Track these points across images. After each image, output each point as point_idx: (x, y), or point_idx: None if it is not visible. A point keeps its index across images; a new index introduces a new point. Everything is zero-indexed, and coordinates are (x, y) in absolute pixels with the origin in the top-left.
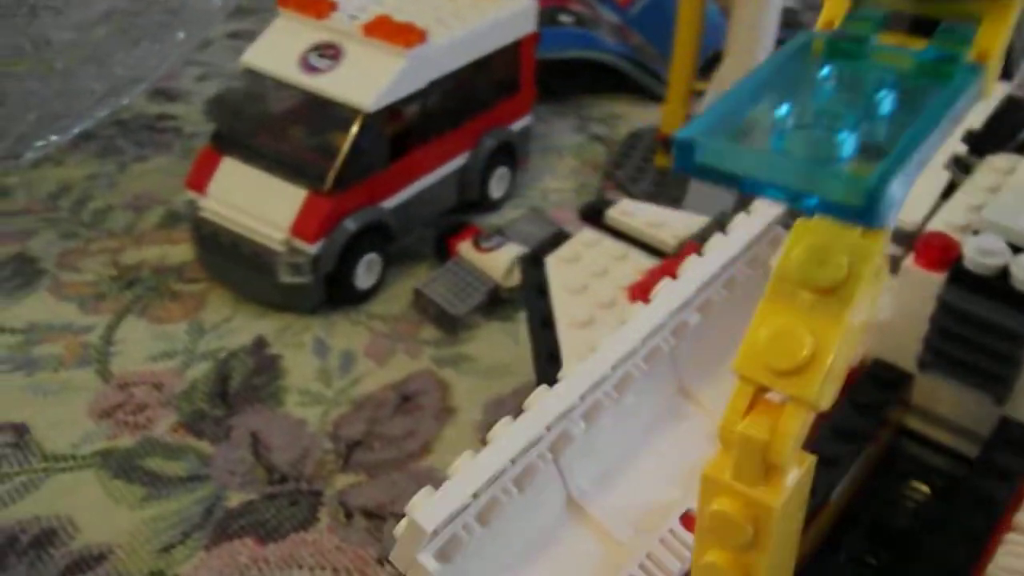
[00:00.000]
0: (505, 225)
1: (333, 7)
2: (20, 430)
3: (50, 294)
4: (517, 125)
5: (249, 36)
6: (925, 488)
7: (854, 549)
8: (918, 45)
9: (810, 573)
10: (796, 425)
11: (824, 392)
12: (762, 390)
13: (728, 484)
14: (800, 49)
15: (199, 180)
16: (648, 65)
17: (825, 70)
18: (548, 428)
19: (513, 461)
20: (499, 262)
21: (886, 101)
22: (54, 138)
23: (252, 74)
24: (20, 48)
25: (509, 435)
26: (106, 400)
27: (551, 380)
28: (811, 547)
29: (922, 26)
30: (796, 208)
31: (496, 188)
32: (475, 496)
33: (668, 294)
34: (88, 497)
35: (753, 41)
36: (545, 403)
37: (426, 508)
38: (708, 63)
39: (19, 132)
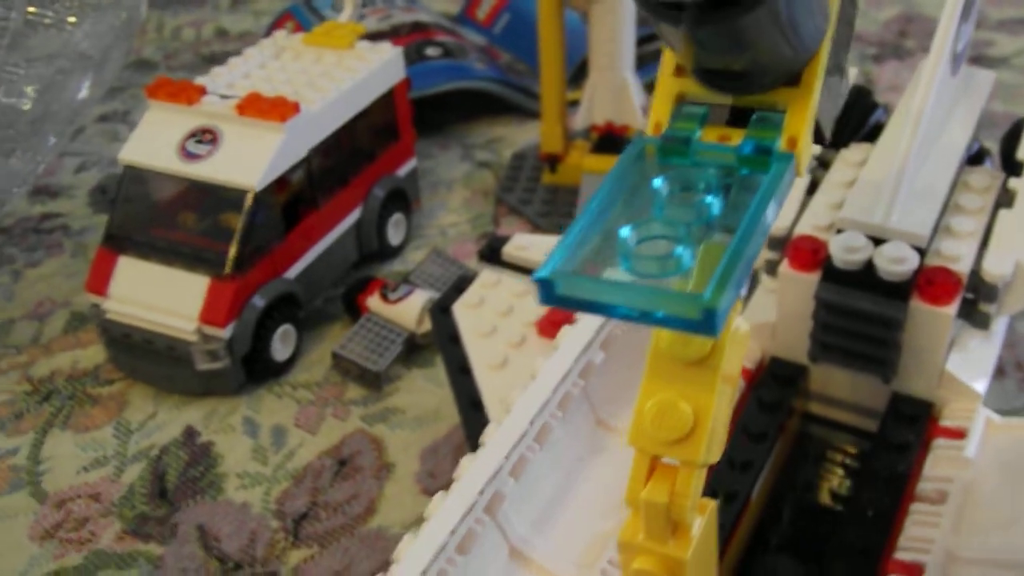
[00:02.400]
0: (410, 272)
1: (202, 91)
2: None
3: None
4: (403, 170)
5: (119, 117)
6: (838, 469)
7: (781, 538)
8: (737, 136)
9: (743, 571)
10: (691, 485)
11: (710, 452)
12: (657, 457)
13: (641, 545)
14: (637, 157)
15: (99, 283)
16: (520, 83)
17: (658, 181)
18: (480, 493)
19: (453, 532)
20: (410, 310)
21: (715, 204)
22: None
23: (132, 169)
24: None
25: (445, 509)
26: (46, 521)
27: (476, 425)
28: (741, 545)
29: (740, 115)
30: (651, 324)
31: (394, 235)
32: (424, 574)
33: (571, 339)
34: None
35: (614, 53)
36: (473, 471)
37: None
38: (577, 71)
39: None
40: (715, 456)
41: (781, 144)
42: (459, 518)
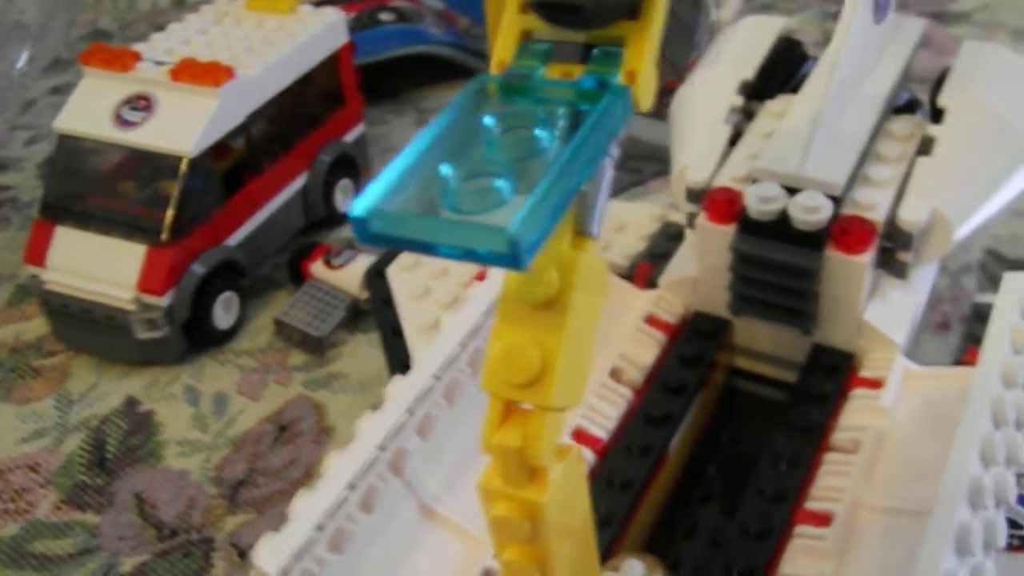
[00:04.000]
0: (354, 237)
1: (137, 57)
2: None
3: None
4: (350, 136)
5: (70, 89)
6: (763, 422)
7: (705, 491)
8: (580, 72)
9: (664, 519)
10: (544, 428)
11: (561, 395)
12: (512, 401)
13: (500, 490)
14: (476, 93)
15: (36, 254)
16: (476, 48)
17: (488, 118)
18: (382, 448)
19: (352, 487)
20: (353, 276)
21: (545, 137)
22: None
23: (67, 138)
24: None
25: (341, 464)
26: None
27: None
28: (662, 497)
29: (588, 52)
30: (474, 262)
31: (342, 201)
32: (320, 528)
33: (481, 295)
34: None
35: None
36: (373, 426)
37: (269, 552)
38: None
39: None
40: (571, 401)
41: (620, 78)
42: (356, 473)
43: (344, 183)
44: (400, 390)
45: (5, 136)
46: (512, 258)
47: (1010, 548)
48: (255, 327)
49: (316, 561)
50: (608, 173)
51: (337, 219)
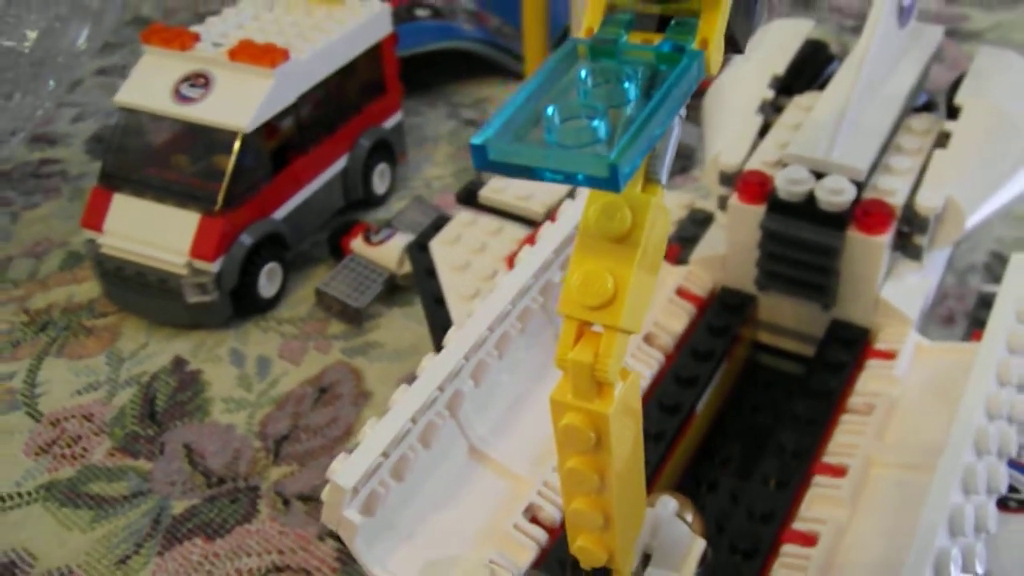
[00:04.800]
0: (392, 217)
1: (196, 38)
2: None
3: None
4: (389, 122)
5: (117, 72)
6: (784, 393)
7: (726, 453)
8: (659, 39)
9: (689, 476)
10: (613, 347)
11: (629, 318)
12: (585, 324)
13: (570, 402)
14: (568, 54)
15: (94, 219)
16: (507, 46)
17: (583, 72)
18: (440, 389)
19: (414, 421)
20: (391, 252)
21: (630, 89)
22: None
23: (128, 111)
24: None
25: (406, 399)
26: (40, 438)
27: None
28: (689, 454)
29: (663, 23)
30: (572, 184)
31: (379, 184)
32: (385, 455)
33: (529, 258)
34: (39, 528)
35: None
36: (433, 368)
37: (344, 470)
38: (560, 38)
39: None
40: (635, 326)
41: (694, 45)
42: (418, 408)
43: (381, 167)
44: (458, 338)
45: (54, 113)
46: (611, 181)
47: (1009, 509)
48: (296, 298)
49: (382, 483)
50: (677, 129)
51: (374, 201)
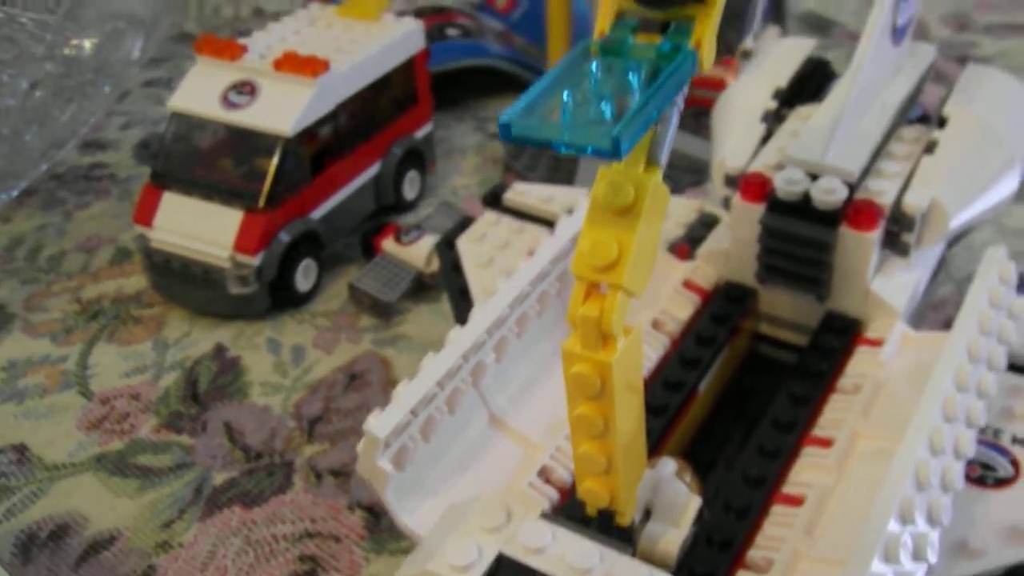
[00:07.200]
0: (421, 220)
1: (244, 49)
2: (20, 449)
3: (23, 334)
4: (420, 133)
5: (162, 83)
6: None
7: (724, 432)
8: (660, 40)
9: (690, 453)
10: (616, 304)
11: (631, 279)
12: (593, 284)
13: (579, 353)
14: (582, 52)
15: (145, 215)
16: (531, 63)
17: (594, 65)
18: (464, 358)
19: (440, 386)
20: (420, 252)
21: (634, 80)
22: (3, 197)
23: (179, 116)
24: None
25: (433, 364)
26: (92, 415)
27: None
28: (690, 434)
29: (665, 27)
30: (580, 155)
31: (409, 190)
32: (414, 414)
33: (549, 246)
34: (91, 494)
35: None
36: (458, 338)
37: (378, 423)
38: None
39: None
40: (636, 287)
41: (690, 45)
42: (444, 373)
43: (412, 174)
44: (481, 313)
45: (103, 121)
46: (614, 152)
47: (988, 486)
48: (329, 293)
49: (411, 439)
50: (675, 118)
51: (404, 206)
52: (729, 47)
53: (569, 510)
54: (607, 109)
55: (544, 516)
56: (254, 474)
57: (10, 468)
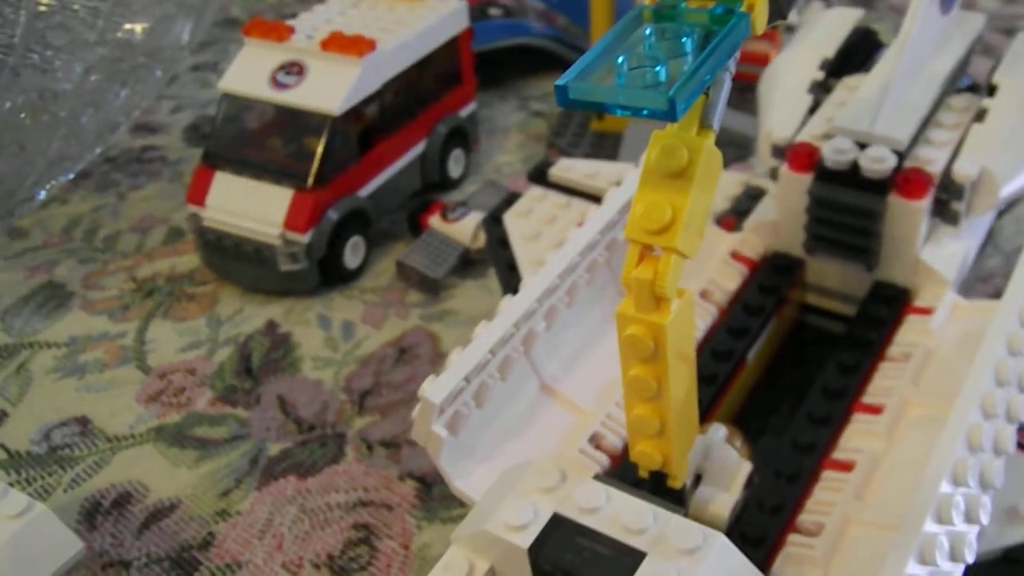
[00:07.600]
0: (466, 198)
1: (291, 30)
2: (83, 422)
3: (82, 311)
4: (464, 111)
5: (210, 67)
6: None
7: (772, 403)
8: (713, 4)
9: (739, 422)
10: (669, 266)
11: (685, 242)
12: (646, 248)
13: (633, 315)
14: (635, 17)
15: (198, 195)
16: (574, 43)
17: (648, 30)
18: (516, 326)
19: (492, 353)
20: (466, 228)
21: (687, 44)
22: (60, 179)
23: (230, 97)
24: (31, 102)
25: (486, 332)
26: (150, 388)
27: None
28: (738, 403)
29: None
30: (637, 117)
31: (454, 168)
32: (467, 380)
33: (598, 217)
34: (151, 465)
35: None
36: (510, 307)
37: (433, 388)
38: None
39: (35, 177)
40: (690, 250)
41: (742, 8)
42: (496, 340)
43: (456, 153)
44: (532, 283)
45: (154, 105)
46: (669, 113)
47: None
48: (377, 270)
49: (465, 405)
50: (727, 83)
51: (449, 184)
52: (781, 11)
53: (621, 473)
54: (662, 71)
55: (598, 478)
56: (307, 445)
57: (74, 439)
